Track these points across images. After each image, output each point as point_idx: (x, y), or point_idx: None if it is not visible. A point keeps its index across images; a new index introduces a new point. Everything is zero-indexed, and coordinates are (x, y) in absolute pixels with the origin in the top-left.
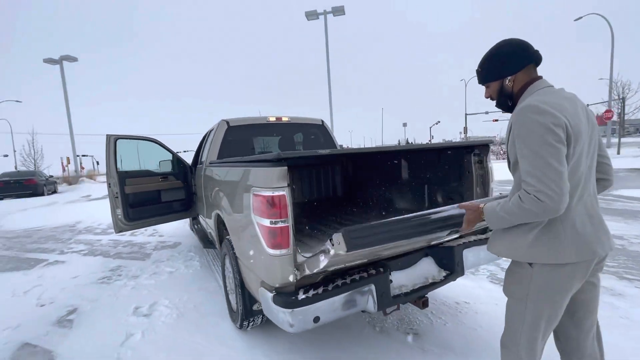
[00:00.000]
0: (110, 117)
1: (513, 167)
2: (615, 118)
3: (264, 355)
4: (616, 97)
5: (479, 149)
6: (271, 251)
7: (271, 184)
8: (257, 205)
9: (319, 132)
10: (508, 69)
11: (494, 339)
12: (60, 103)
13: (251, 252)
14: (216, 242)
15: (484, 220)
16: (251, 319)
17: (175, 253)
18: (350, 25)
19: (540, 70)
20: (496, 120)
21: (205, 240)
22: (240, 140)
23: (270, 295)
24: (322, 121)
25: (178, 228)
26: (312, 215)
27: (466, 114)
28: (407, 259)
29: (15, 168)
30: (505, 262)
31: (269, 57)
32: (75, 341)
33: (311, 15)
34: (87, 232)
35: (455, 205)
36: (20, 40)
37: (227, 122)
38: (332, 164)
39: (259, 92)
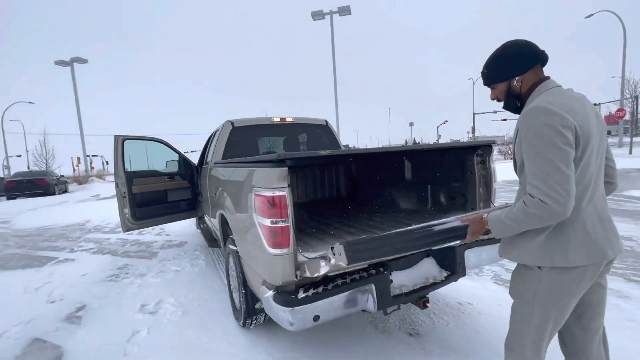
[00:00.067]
0: (120, 117)
1: (519, 169)
2: (627, 117)
3: (267, 353)
4: (628, 96)
5: (482, 150)
6: (272, 250)
7: (272, 184)
8: (259, 205)
9: (322, 132)
10: (516, 69)
11: (497, 340)
12: (71, 104)
13: (253, 252)
14: (221, 242)
15: (489, 230)
16: (254, 318)
17: (182, 252)
18: (356, 25)
19: (550, 68)
20: (505, 120)
21: (211, 240)
22: (244, 141)
23: (271, 293)
24: (326, 121)
25: (185, 227)
26: (316, 215)
27: (474, 113)
28: (408, 259)
29: (28, 168)
30: (510, 263)
31: (275, 56)
32: (83, 337)
33: (317, 15)
34: (96, 231)
35: (458, 217)
36: (32, 43)
37: (232, 123)
38: (336, 164)
39: (265, 92)
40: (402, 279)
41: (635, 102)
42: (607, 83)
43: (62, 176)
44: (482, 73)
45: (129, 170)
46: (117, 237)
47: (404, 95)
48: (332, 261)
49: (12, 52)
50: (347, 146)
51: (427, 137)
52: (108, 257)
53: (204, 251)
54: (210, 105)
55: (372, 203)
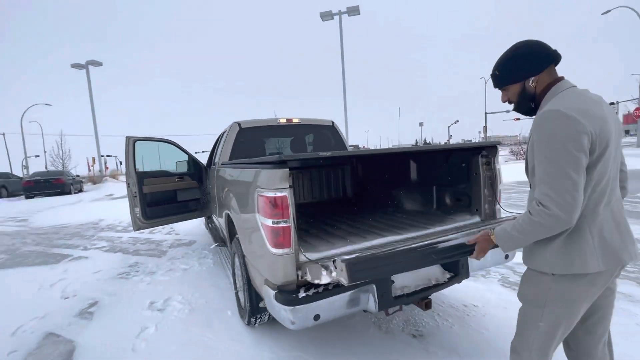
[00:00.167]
0: (134, 118)
1: (531, 172)
2: None
3: (270, 351)
4: None
5: (487, 151)
6: (274, 250)
7: (273, 185)
8: (261, 205)
9: (329, 133)
10: (530, 69)
11: (501, 342)
12: (86, 105)
13: (256, 251)
14: (227, 241)
15: (498, 246)
16: (258, 316)
17: (190, 251)
18: (365, 24)
19: (565, 67)
20: (518, 119)
21: (218, 239)
22: (251, 142)
23: (272, 292)
24: (333, 122)
25: (194, 226)
26: (321, 215)
27: (486, 113)
28: None
29: (46, 168)
30: (518, 266)
31: (283, 57)
32: (94, 332)
33: (326, 16)
34: (109, 230)
35: (465, 239)
36: (50, 47)
37: (239, 124)
38: (341, 165)
39: (274, 92)
40: (404, 280)
41: None
42: (625, 81)
43: (78, 176)
44: (493, 75)
45: (139, 170)
46: (129, 236)
47: (415, 95)
48: (334, 274)
49: (31, 55)
50: (356, 146)
51: (438, 137)
52: (120, 255)
53: (211, 250)
54: (221, 106)
55: (377, 204)
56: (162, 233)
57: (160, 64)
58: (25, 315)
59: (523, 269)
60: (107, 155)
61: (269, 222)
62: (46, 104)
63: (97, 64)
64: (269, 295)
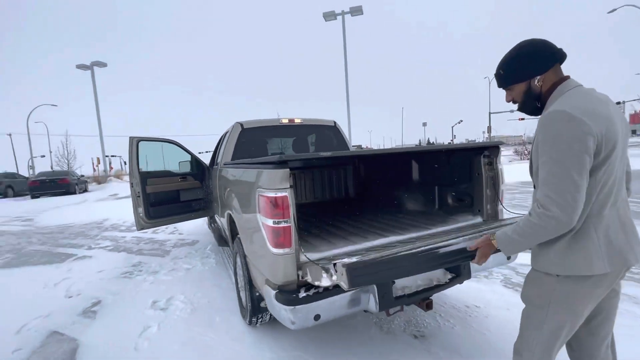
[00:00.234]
0: (138, 118)
1: (535, 173)
2: None
3: (271, 351)
4: None
5: (489, 151)
6: (274, 250)
7: (274, 185)
8: (262, 205)
9: (331, 133)
10: (537, 68)
11: (503, 343)
12: (91, 106)
13: (257, 251)
14: (229, 241)
15: (499, 250)
16: (259, 316)
17: (193, 250)
18: (367, 24)
19: (571, 66)
20: (522, 119)
21: (220, 239)
22: (253, 142)
23: (273, 292)
24: (335, 122)
25: (197, 226)
26: (323, 215)
27: (490, 113)
28: None
29: (51, 168)
30: (521, 266)
31: (286, 57)
32: (97, 331)
33: (329, 16)
34: (112, 229)
35: (466, 243)
36: (56, 48)
37: (241, 125)
38: (343, 165)
39: (276, 94)
40: (404, 281)
41: None
42: (631, 80)
43: (83, 176)
44: (498, 74)
45: (143, 170)
46: (132, 236)
47: (419, 95)
48: (334, 277)
49: (37, 57)
50: (359, 146)
51: (441, 137)
52: (123, 255)
53: (214, 250)
54: (224, 106)
55: (379, 204)
56: (166, 233)
57: (163, 64)
58: (30, 314)
59: (525, 269)
60: (112, 156)
61: (270, 222)
62: (52, 105)
63: (102, 64)
64: (269, 295)
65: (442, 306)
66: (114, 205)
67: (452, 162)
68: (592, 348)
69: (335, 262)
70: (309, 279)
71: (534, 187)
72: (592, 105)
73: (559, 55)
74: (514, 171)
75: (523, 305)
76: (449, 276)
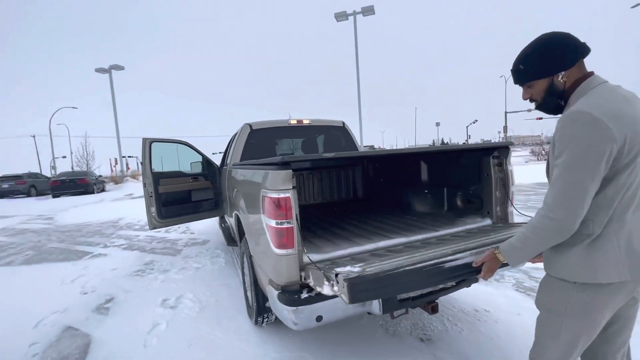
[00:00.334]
0: (153, 119)
1: (551, 175)
2: None
3: (275, 351)
4: None
5: (499, 151)
6: (277, 251)
7: (277, 186)
8: (265, 206)
9: (340, 133)
10: (561, 63)
11: (512, 350)
12: (109, 108)
13: (261, 251)
14: (237, 241)
15: (506, 263)
16: (265, 315)
17: (204, 250)
18: (380, 25)
19: (594, 62)
20: (540, 119)
21: (230, 239)
22: (262, 143)
23: (276, 292)
24: (343, 123)
25: (208, 226)
26: (329, 216)
27: (506, 112)
28: None
29: (72, 168)
30: (534, 270)
31: (299, 58)
32: (109, 327)
33: (340, 16)
34: (127, 228)
35: (472, 258)
36: (76, 52)
37: (250, 126)
38: (351, 166)
39: (287, 95)
40: None
41: None
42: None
43: (100, 176)
44: (517, 70)
45: (156, 171)
46: (146, 235)
47: (434, 94)
48: (335, 288)
49: (57, 60)
50: (372, 147)
51: (456, 137)
52: (136, 253)
53: (224, 250)
54: (235, 107)
55: (387, 205)
56: (178, 232)
57: (179, 66)
58: (47, 309)
59: (539, 273)
60: (129, 156)
61: (273, 223)
62: (72, 107)
63: (119, 68)
64: (272, 295)
65: (451, 309)
66: (130, 204)
67: (460, 162)
68: (606, 356)
69: (338, 272)
70: (311, 282)
71: None
72: (617, 106)
73: (583, 50)
74: (530, 172)
75: (535, 311)
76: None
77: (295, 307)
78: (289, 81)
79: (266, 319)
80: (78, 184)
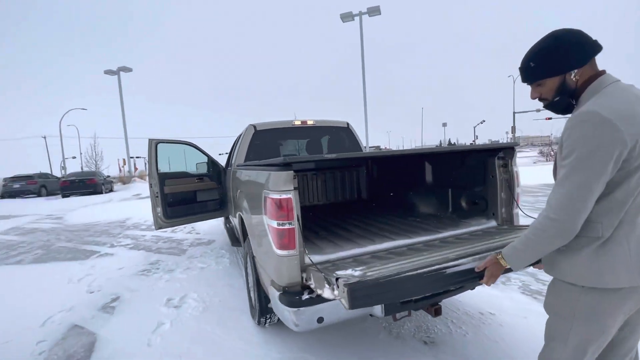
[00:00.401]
0: (162, 120)
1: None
2: None
3: (278, 352)
4: None
5: (504, 152)
6: (279, 252)
7: (278, 187)
8: (267, 207)
9: (344, 134)
10: (575, 60)
11: (517, 354)
12: (118, 109)
13: (263, 252)
14: (241, 241)
15: (509, 268)
16: (267, 316)
17: (209, 250)
18: (385, 26)
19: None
20: (549, 119)
21: (234, 239)
22: (266, 144)
23: (277, 293)
24: (348, 124)
25: (214, 226)
26: (332, 217)
27: (514, 112)
28: None
29: (82, 169)
30: (542, 272)
31: (305, 59)
32: (114, 326)
33: (346, 17)
34: (134, 228)
35: (474, 264)
36: (85, 54)
37: (254, 127)
38: (356, 167)
39: (293, 96)
40: None
41: None
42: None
43: (109, 176)
44: (527, 67)
45: (162, 171)
46: (152, 235)
47: (441, 95)
48: (335, 292)
49: (68, 63)
50: (378, 147)
51: (463, 137)
52: (142, 253)
53: (229, 250)
54: (241, 107)
55: (391, 206)
56: (184, 232)
57: (186, 65)
58: (54, 307)
59: (546, 275)
60: (137, 157)
61: (274, 224)
62: (82, 109)
63: (127, 70)
64: (274, 296)
65: (455, 312)
66: (137, 204)
67: (465, 163)
68: None
69: (338, 276)
70: (312, 284)
71: None
72: (629, 106)
73: (596, 47)
74: (537, 173)
75: (542, 314)
76: None
77: (296, 309)
78: (293, 82)
79: (269, 320)
80: (87, 184)
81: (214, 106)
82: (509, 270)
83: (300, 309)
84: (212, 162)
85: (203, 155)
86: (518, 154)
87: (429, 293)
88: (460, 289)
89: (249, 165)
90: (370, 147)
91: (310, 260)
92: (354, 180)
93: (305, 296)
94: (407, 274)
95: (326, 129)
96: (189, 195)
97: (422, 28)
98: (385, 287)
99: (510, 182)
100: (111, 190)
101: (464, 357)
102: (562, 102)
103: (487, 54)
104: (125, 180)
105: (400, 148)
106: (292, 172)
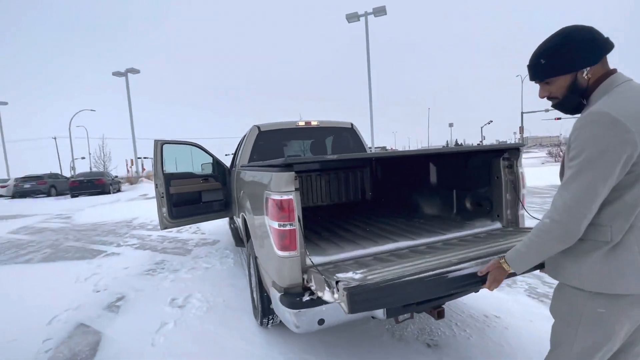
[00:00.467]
0: (169, 121)
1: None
2: None
3: (280, 352)
4: None
5: (509, 153)
6: (280, 253)
7: (280, 188)
8: (269, 207)
9: (348, 135)
10: (589, 58)
11: (522, 358)
12: (126, 110)
13: (265, 253)
14: (245, 242)
15: (512, 272)
16: (270, 317)
17: (213, 250)
18: (386, 26)
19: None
20: (559, 119)
21: (238, 239)
22: (270, 145)
23: (278, 295)
24: (352, 124)
25: (219, 226)
26: (335, 218)
27: (522, 113)
28: None
29: (90, 169)
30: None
31: (311, 59)
32: (119, 325)
33: (352, 17)
34: (140, 228)
35: (477, 268)
36: (94, 56)
37: (258, 127)
38: (360, 168)
39: (302, 95)
40: None
41: None
42: None
43: (117, 176)
44: (536, 64)
45: (167, 172)
46: (158, 234)
47: (447, 95)
48: (335, 296)
49: (76, 66)
50: (384, 148)
51: (471, 138)
52: (148, 253)
53: (233, 250)
54: (248, 108)
55: (395, 207)
56: (189, 232)
57: (191, 66)
58: (61, 306)
59: (553, 279)
60: (144, 157)
61: (276, 225)
62: (90, 110)
63: (135, 71)
64: (275, 297)
65: (459, 315)
66: (143, 204)
67: (470, 164)
68: None
69: (338, 280)
70: (313, 286)
71: None
72: None
73: (608, 45)
74: (546, 174)
75: (548, 317)
76: None
77: (297, 310)
78: (299, 82)
79: (271, 321)
80: (95, 184)
81: (218, 107)
82: (513, 274)
83: (301, 310)
84: (217, 163)
85: (208, 155)
86: (526, 155)
87: (431, 297)
88: (464, 291)
89: (252, 166)
90: (376, 148)
91: (311, 261)
92: (357, 181)
93: (306, 298)
94: (408, 278)
95: (330, 130)
96: (194, 196)
97: (423, 27)
98: (386, 291)
99: (516, 183)
100: (119, 191)
101: None
102: (573, 101)
103: (491, 54)
104: (133, 180)
105: (407, 149)
106: (293, 173)
